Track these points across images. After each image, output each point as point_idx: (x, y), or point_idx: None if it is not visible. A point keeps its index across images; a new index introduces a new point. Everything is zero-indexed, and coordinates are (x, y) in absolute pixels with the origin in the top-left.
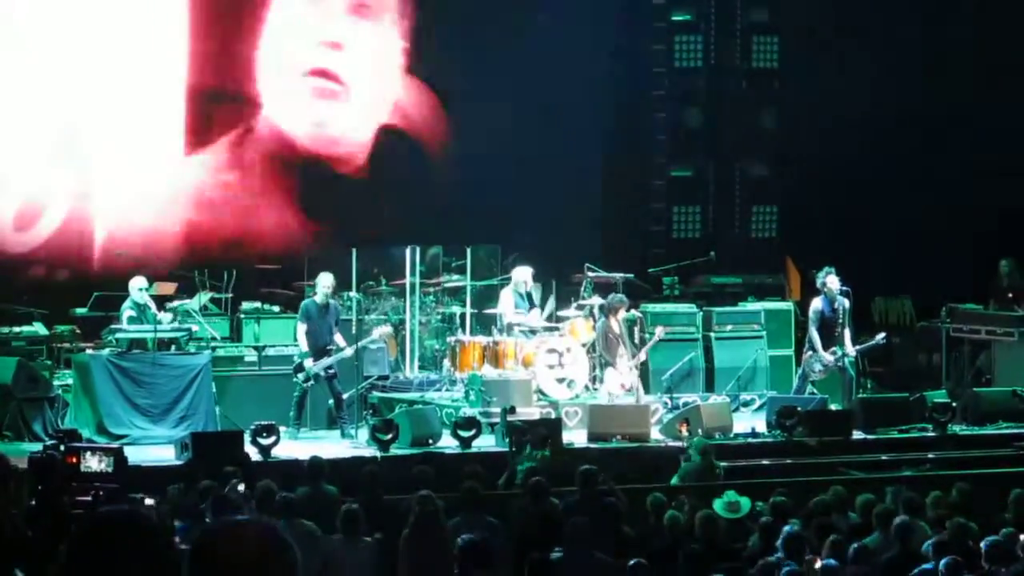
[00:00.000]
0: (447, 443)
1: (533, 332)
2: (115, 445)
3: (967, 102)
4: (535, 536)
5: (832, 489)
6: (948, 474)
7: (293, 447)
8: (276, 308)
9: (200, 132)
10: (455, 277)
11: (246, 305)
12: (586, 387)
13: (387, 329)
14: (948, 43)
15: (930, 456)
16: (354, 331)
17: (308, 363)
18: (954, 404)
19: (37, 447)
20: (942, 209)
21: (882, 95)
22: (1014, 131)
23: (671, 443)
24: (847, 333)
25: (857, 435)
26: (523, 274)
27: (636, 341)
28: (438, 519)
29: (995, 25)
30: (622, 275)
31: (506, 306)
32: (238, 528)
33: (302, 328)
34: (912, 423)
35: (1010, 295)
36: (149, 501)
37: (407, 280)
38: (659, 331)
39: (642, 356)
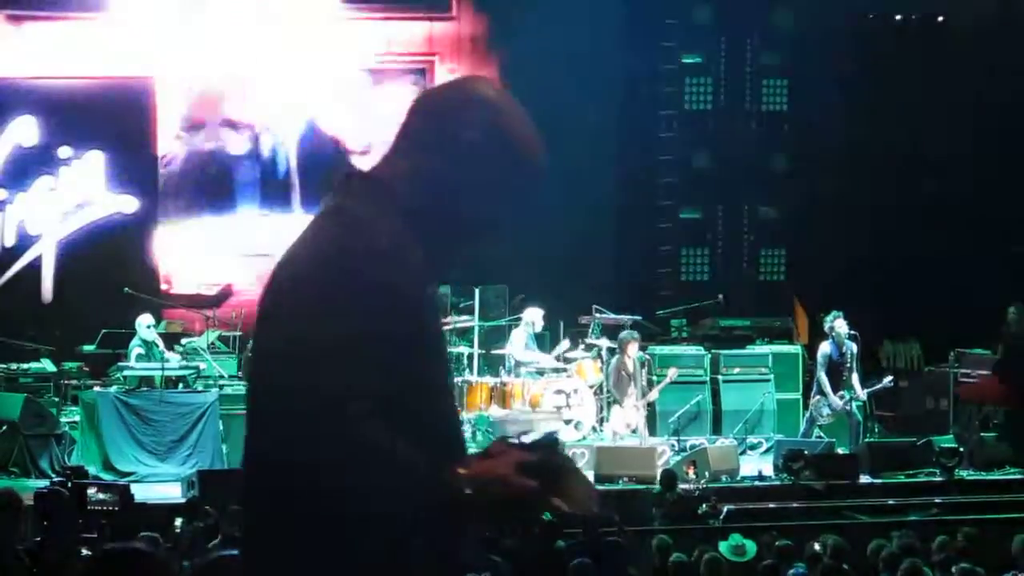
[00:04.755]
0: None
1: (541, 373)
2: (121, 482)
3: (975, 143)
4: None
5: (827, 537)
6: (955, 519)
7: None
8: None
9: None
10: (463, 317)
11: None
12: (593, 428)
13: None
14: (952, 88)
15: (937, 501)
16: None
17: None
18: (961, 449)
19: (43, 483)
20: (951, 253)
21: (892, 139)
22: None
23: (680, 485)
24: (855, 377)
25: (864, 479)
26: (534, 315)
27: (644, 383)
28: None
29: (997, 66)
30: (630, 317)
31: (516, 345)
32: (229, 562)
33: None
34: (919, 467)
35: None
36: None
37: None
38: (672, 372)
39: (653, 395)
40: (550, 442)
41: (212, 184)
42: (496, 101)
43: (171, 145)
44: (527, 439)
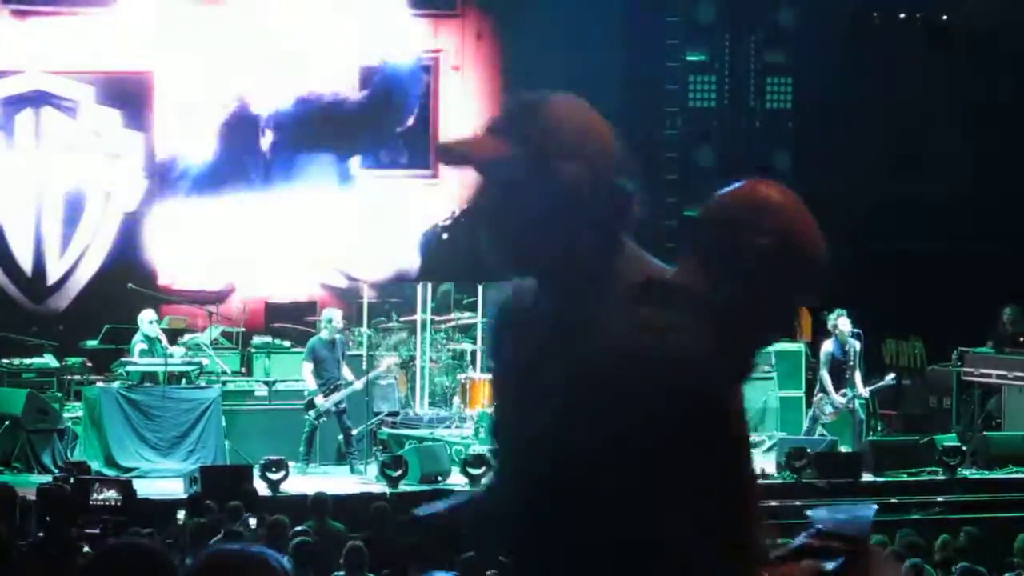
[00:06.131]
0: (456, 480)
1: None
2: (124, 478)
3: (976, 142)
4: None
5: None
6: (957, 518)
7: (302, 482)
8: (287, 343)
9: None
10: (466, 314)
11: (257, 340)
12: None
13: (394, 360)
14: (955, 87)
15: (939, 499)
16: (364, 366)
17: (319, 400)
18: (964, 448)
19: (46, 479)
20: (954, 251)
21: (895, 137)
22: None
23: None
24: (858, 375)
25: (866, 477)
26: None
27: None
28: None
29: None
30: None
31: None
32: (227, 556)
33: (308, 367)
34: (922, 466)
35: (1020, 339)
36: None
37: (418, 316)
38: None
39: None
40: (862, 532)
41: (215, 179)
42: (786, 206)
43: (173, 140)
44: (829, 522)
